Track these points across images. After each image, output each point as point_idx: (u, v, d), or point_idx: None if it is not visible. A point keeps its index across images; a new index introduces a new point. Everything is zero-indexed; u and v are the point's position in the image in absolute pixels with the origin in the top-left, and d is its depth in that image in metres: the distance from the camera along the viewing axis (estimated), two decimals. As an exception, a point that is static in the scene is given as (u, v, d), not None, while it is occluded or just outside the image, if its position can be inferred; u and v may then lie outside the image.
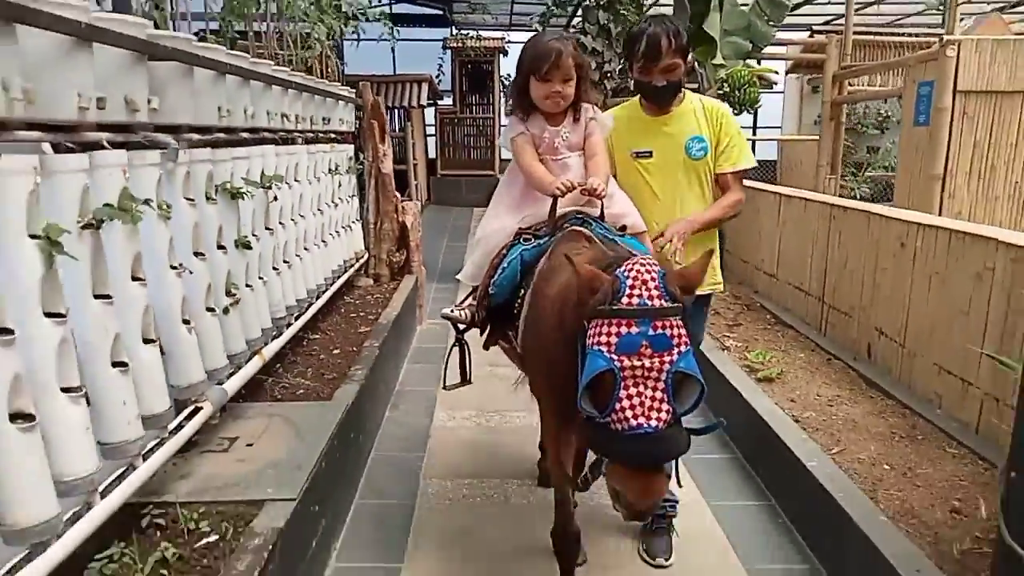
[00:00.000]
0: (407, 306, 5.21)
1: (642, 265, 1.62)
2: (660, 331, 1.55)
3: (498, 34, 13.82)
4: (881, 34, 10.51)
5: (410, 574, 2.57)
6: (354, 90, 5.52)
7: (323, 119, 4.51)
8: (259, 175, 3.11)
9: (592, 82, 2.67)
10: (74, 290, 1.83)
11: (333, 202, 4.61)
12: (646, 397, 1.54)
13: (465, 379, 2.69)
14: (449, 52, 13.66)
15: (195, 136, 2.56)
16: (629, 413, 1.53)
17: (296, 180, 3.74)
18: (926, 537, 2.30)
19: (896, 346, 3.66)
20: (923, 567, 2.11)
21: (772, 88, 11.49)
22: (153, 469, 2.17)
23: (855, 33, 7.67)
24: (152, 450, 2.18)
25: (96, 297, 1.90)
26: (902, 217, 3.77)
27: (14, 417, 1.59)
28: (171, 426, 2.30)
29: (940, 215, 5.19)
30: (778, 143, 12.63)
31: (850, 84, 7.70)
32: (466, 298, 2.59)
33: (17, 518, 1.63)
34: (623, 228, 2.36)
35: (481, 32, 13.59)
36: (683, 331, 1.58)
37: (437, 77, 13.03)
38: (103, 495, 1.93)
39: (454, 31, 13.99)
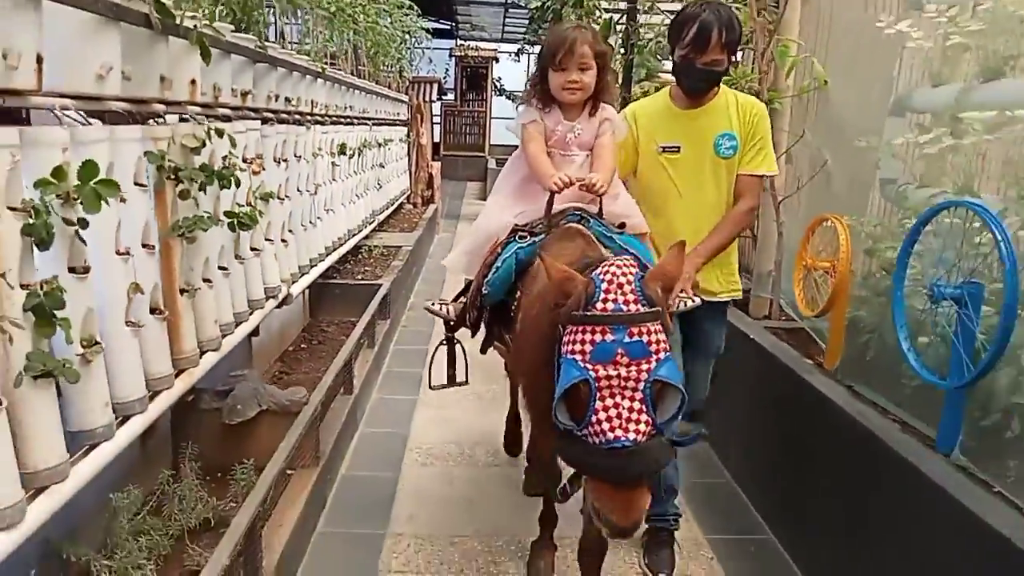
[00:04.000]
0: (432, 219, 9.38)
1: (618, 267, 1.56)
2: (636, 338, 1.48)
3: (491, 46, 17.96)
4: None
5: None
6: (407, 95, 9.65)
7: (396, 112, 8.64)
8: (384, 138, 7.25)
9: (614, 73, 2.20)
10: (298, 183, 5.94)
11: (400, 157, 8.76)
12: (623, 408, 1.48)
13: (453, 380, 2.65)
14: (454, 59, 17.74)
15: (373, 119, 6.69)
16: (606, 426, 1.48)
17: (391, 142, 7.90)
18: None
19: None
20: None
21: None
22: (347, 249, 6.20)
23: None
24: (350, 239, 6.25)
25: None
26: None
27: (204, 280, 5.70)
28: (348, 240, 6.39)
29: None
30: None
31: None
32: (457, 296, 2.58)
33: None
34: (622, 225, 2.23)
35: (479, 44, 17.78)
36: (661, 336, 1.51)
37: (444, 78, 17.06)
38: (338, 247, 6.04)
39: (458, 42, 18.12)
